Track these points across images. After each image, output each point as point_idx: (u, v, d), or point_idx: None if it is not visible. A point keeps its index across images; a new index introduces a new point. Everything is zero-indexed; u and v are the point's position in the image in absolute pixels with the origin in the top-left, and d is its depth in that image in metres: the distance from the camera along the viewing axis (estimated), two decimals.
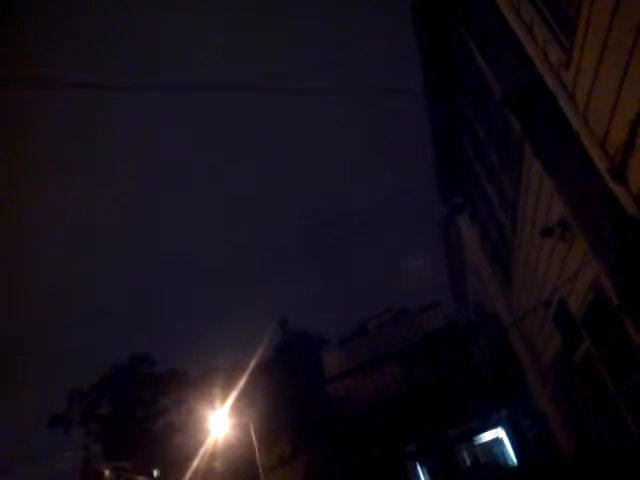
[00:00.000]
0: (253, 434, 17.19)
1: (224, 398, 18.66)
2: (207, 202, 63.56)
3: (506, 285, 11.08)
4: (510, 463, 18.49)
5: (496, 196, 9.33)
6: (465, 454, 24.41)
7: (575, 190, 5.54)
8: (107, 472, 21.86)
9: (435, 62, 8.39)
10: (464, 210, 12.92)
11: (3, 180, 44.07)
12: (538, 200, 6.86)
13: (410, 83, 8.76)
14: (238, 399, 17.91)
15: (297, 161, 60.58)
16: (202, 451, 19.03)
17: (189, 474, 19.15)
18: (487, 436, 21.04)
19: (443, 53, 8.34)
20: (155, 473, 23.05)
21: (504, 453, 20.34)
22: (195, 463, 19.10)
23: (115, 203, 56.51)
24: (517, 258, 9.21)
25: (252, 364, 18.09)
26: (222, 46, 53.61)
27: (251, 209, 65.04)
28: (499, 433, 19.79)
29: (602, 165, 4.64)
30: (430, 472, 19.43)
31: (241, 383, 17.83)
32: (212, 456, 20.15)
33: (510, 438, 18.23)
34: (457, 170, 11.16)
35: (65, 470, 23.19)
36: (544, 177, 6.16)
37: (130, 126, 52.96)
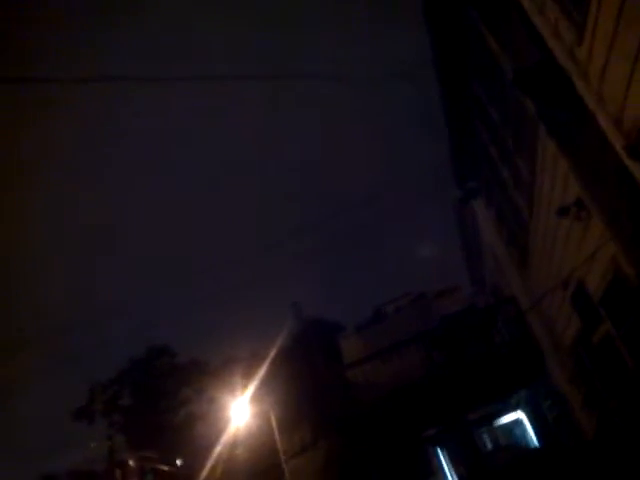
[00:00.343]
0: (274, 422, 17.33)
1: (244, 387, 18.82)
2: (221, 196, 63.74)
3: (523, 267, 11.01)
4: (531, 445, 18.49)
5: (511, 178, 9.26)
6: (486, 437, 24.42)
7: (590, 169, 5.49)
8: (132, 462, 22.20)
9: (446, 46, 8.31)
10: (479, 194, 12.83)
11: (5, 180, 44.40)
12: (553, 181, 6.79)
13: (421, 72, 8.72)
14: (258, 387, 18.04)
15: (305, 151, 60.53)
16: (223, 440, 19.22)
17: (211, 462, 19.36)
18: (508, 418, 21.02)
19: (454, 37, 8.25)
20: (178, 462, 23.35)
21: (525, 435, 20.31)
22: (217, 451, 19.31)
23: (128, 201, 57.03)
24: (533, 240, 9.14)
25: (271, 353, 18.19)
26: (223, 43, 53.48)
27: (262, 200, 65.08)
28: (519, 415, 19.77)
29: (617, 143, 4.57)
30: (451, 456, 19.47)
31: (261, 372, 17.96)
32: (233, 444, 20.33)
33: (531, 420, 18.22)
34: (471, 154, 11.08)
35: (90, 460, 23.54)
36: (559, 157, 6.11)
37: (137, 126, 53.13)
